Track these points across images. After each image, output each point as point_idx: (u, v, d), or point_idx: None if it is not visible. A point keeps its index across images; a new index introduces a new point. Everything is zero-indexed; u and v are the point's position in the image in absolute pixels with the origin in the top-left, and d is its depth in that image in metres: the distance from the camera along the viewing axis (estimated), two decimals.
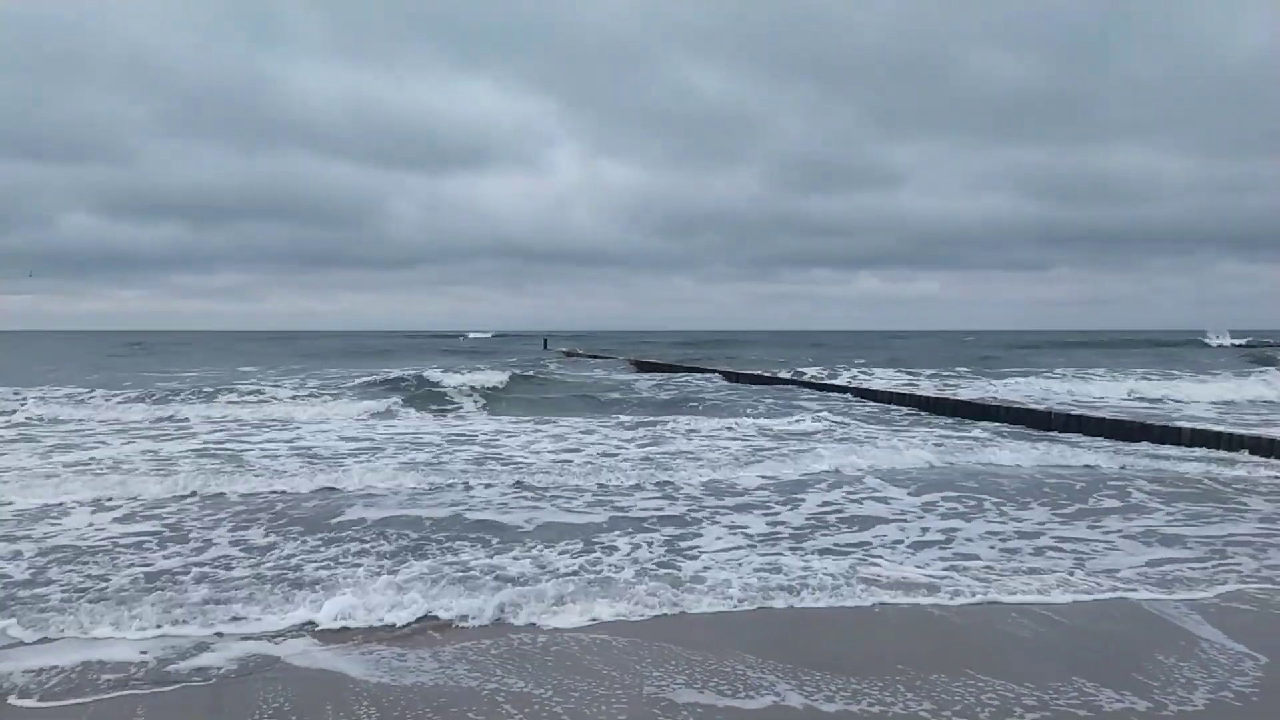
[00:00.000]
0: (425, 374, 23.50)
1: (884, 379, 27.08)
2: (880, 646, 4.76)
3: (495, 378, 22.57)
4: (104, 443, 12.52)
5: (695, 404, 18.65)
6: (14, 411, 15.76)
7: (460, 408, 17.99)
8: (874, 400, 19.48)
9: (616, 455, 11.50)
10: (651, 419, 15.72)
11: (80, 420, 15.08)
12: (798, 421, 14.80)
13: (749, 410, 17.21)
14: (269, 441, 12.79)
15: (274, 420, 15.45)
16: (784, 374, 26.17)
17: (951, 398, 18.03)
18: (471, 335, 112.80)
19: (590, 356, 46.35)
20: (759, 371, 27.78)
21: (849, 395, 20.61)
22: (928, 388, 21.44)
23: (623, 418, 16.15)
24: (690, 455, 11.40)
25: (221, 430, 14.01)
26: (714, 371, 28.60)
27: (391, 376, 23.61)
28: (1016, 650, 4.72)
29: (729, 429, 14.11)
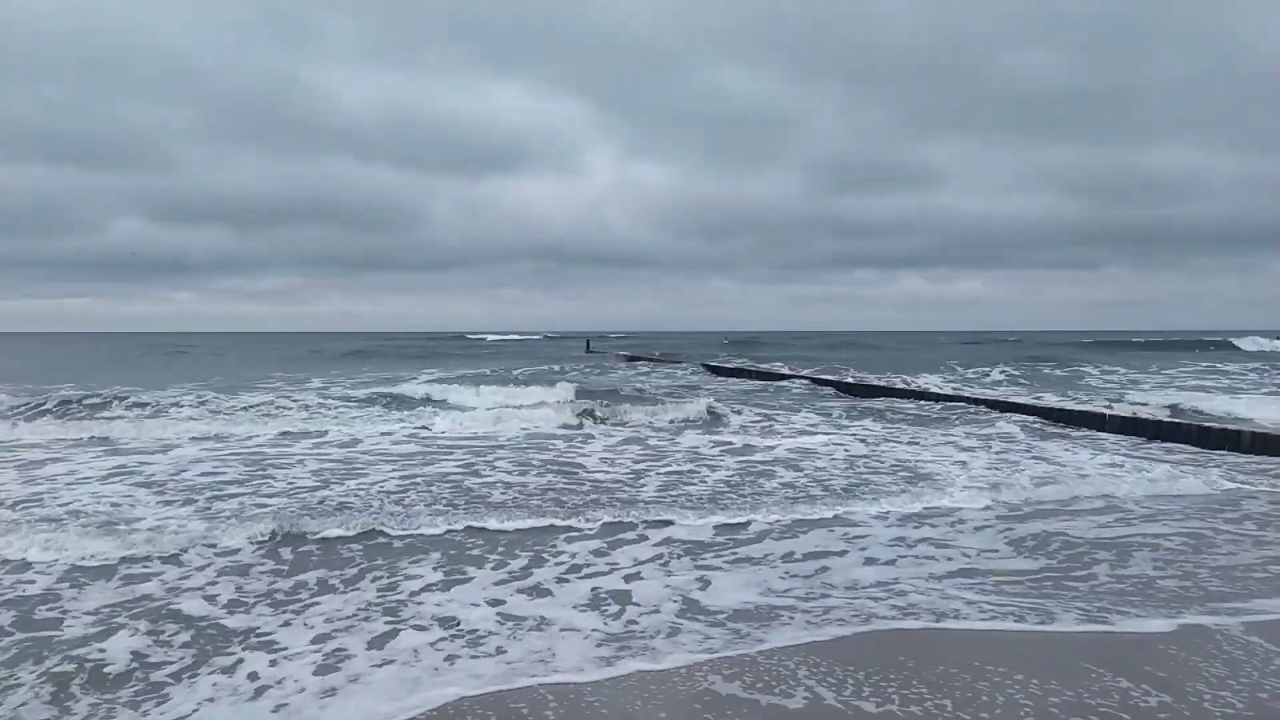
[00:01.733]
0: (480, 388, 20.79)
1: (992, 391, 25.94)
2: None
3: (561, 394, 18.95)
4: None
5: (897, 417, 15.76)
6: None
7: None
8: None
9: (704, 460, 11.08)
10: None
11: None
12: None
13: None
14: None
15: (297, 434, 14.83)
16: (899, 383, 22.81)
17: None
18: (489, 337, 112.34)
19: (656, 360, 41.24)
20: (841, 378, 24.80)
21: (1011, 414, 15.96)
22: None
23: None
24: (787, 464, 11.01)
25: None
26: (798, 378, 26.09)
27: (417, 393, 22.05)
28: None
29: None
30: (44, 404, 16.71)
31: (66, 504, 8.44)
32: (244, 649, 4.80)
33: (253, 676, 4.43)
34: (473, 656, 4.70)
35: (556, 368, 35.53)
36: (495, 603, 5.60)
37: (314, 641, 4.90)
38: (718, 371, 32.43)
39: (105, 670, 4.48)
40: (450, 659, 4.67)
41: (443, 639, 4.95)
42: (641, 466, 10.89)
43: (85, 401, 17.16)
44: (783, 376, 26.95)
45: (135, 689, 4.30)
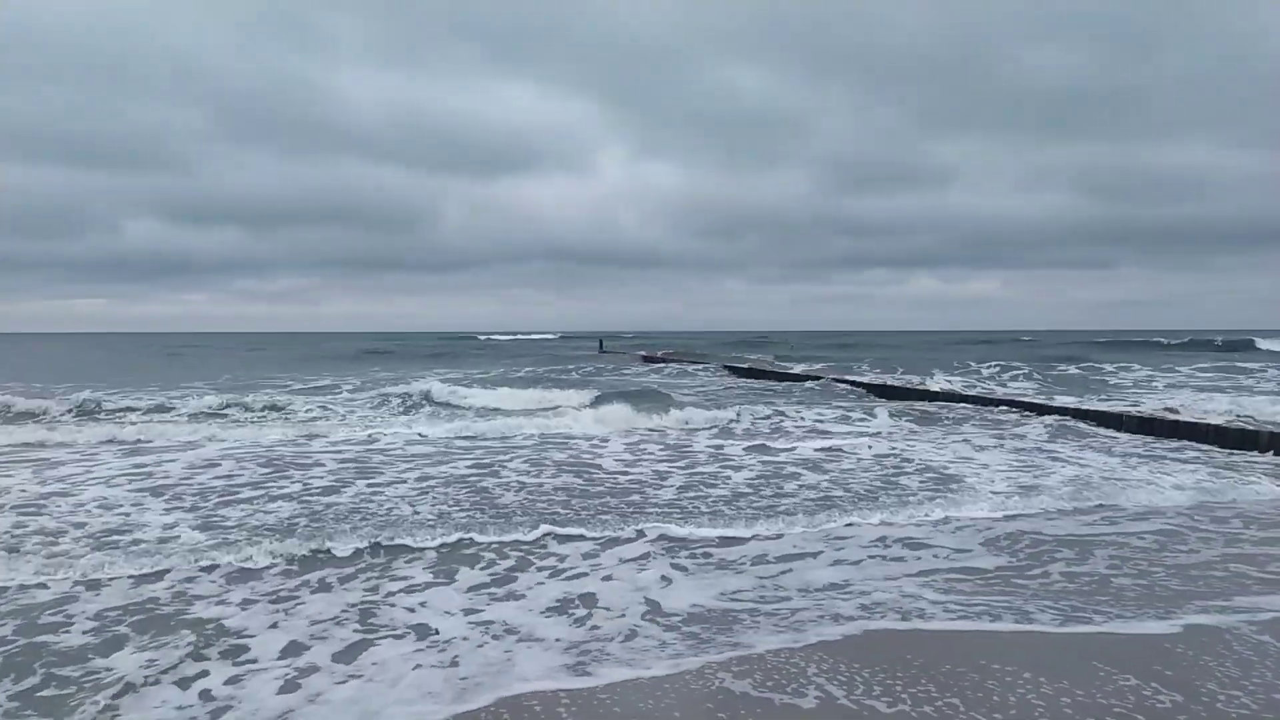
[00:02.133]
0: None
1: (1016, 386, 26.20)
2: None
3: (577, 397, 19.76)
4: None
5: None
6: None
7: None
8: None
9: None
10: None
11: None
12: None
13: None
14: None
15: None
16: (920, 384, 22.33)
17: None
18: (498, 337, 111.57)
19: (675, 360, 39.81)
20: (864, 379, 24.25)
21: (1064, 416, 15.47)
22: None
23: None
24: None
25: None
26: (822, 378, 25.14)
27: (433, 394, 22.59)
28: None
29: None
30: (59, 405, 16.90)
31: (70, 511, 8.37)
32: (218, 656, 4.72)
33: (206, 696, 4.27)
34: (433, 666, 4.61)
35: (572, 368, 35.40)
36: (470, 611, 5.51)
37: (283, 654, 4.79)
38: (739, 372, 31.49)
39: (78, 682, 4.41)
40: (418, 667, 4.59)
41: (418, 650, 4.87)
42: (662, 468, 10.79)
43: (99, 402, 17.38)
44: (806, 377, 26.35)
45: (108, 695, 4.25)
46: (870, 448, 12.28)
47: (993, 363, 34.87)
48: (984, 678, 4.37)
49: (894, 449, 12.21)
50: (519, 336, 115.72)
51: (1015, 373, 30.54)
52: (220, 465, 11.10)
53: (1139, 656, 4.65)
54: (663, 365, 37.89)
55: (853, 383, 23.87)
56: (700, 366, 34.85)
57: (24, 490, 9.43)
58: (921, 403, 19.18)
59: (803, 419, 16.09)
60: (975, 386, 22.48)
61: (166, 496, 9.10)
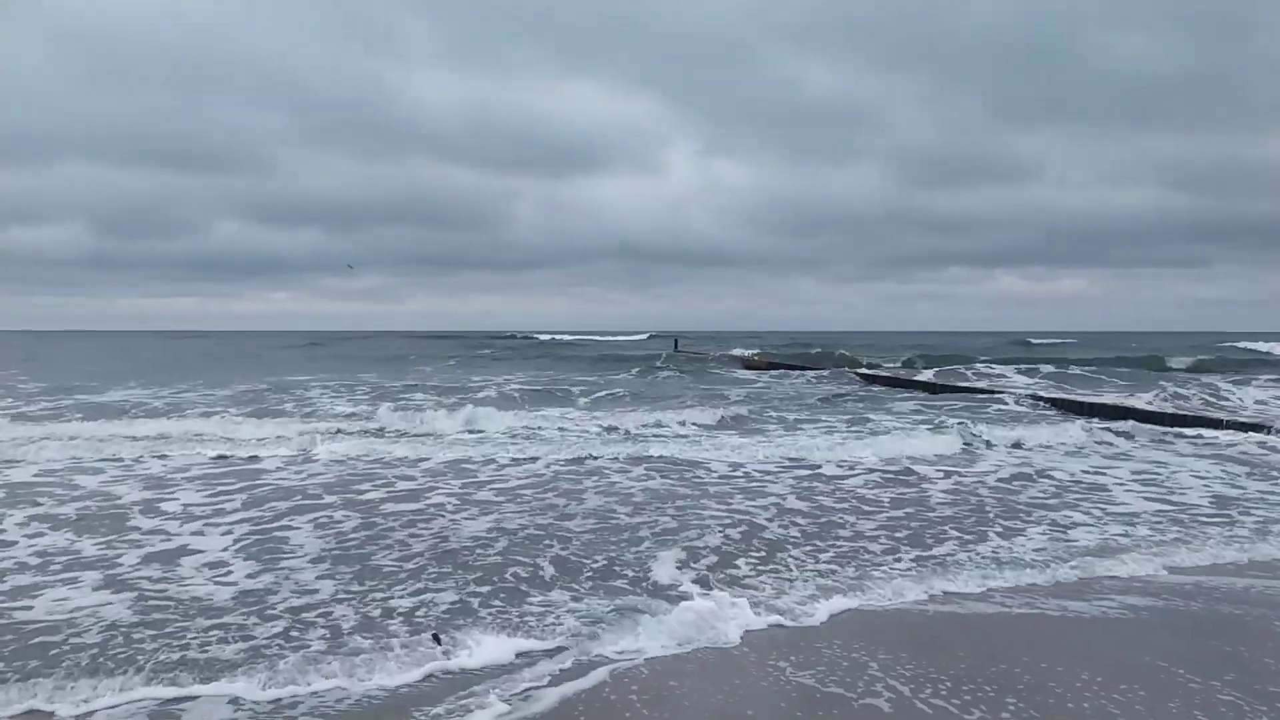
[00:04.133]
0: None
1: None
2: None
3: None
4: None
5: None
6: None
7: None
8: None
9: None
10: None
11: None
12: None
13: None
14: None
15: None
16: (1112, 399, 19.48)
17: None
18: (543, 337, 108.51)
19: (794, 367, 34.42)
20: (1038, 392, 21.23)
21: None
22: None
23: None
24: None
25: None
26: (995, 392, 21.63)
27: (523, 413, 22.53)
28: None
29: None
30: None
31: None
32: None
33: None
34: None
35: (662, 371, 34.45)
36: None
37: None
38: (891, 382, 26.58)
39: None
40: None
41: None
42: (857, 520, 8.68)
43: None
44: (955, 389, 23.13)
45: None
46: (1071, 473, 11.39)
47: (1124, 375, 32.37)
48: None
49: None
50: (594, 336, 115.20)
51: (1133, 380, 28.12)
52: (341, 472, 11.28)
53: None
54: (784, 374, 32.58)
55: (1039, 398, 20.33)
56: (821, 375, 30.32)
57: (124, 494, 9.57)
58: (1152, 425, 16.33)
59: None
60: (1172, 401, 19.99)
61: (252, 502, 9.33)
